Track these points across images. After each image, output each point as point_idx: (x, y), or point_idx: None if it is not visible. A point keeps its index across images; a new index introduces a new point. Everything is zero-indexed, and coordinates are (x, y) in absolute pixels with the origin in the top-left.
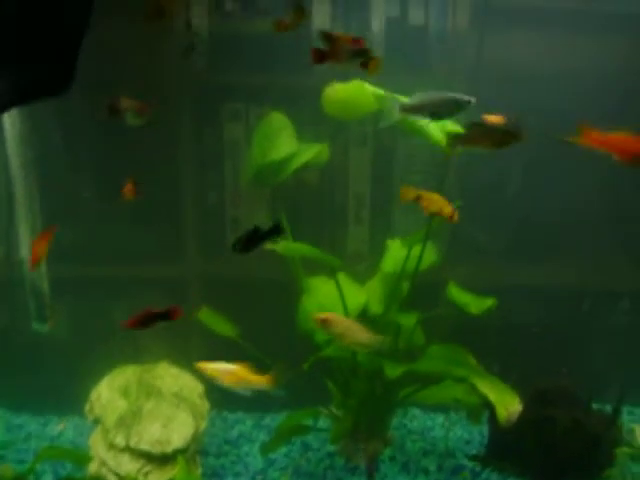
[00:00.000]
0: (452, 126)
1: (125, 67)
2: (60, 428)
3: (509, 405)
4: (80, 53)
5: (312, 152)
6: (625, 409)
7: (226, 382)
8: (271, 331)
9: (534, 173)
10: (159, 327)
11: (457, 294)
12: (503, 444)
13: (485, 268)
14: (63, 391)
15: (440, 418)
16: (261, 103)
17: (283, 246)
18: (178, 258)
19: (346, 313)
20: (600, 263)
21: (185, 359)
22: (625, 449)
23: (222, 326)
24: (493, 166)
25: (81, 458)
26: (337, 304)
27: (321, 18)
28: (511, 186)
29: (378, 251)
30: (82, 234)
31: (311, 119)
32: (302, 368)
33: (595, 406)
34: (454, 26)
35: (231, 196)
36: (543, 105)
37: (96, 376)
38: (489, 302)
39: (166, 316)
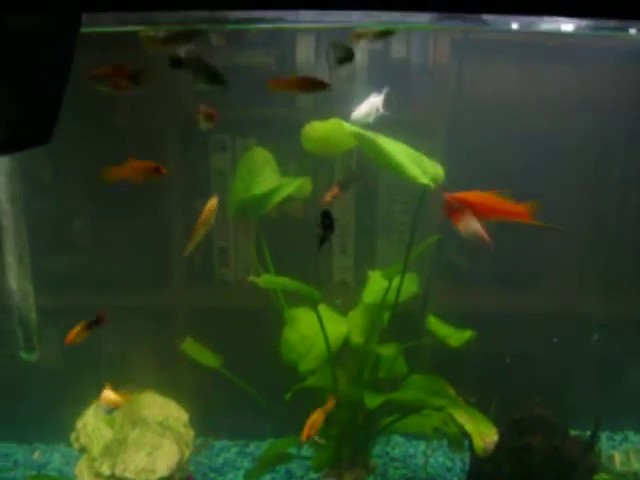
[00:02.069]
0: (431, 166)
1: (112, 100)
2: (35, 457)
3: (486, 435)
4: (60, 109)
5: (293, 186)
6: (604, 435)
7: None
8: (257, 359)
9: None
10: (146, 356)
11: (437, 326)
12: (482, 472)
13: (468, 295)
14: (50, 419)
15: (422, 445)
16: (247, 135)
17: (264, 279)
18: (166, 287)
19: (327, 344)
20: (582, 289)
21: (172, 388)
22: (603, 475)
23: (206, 357)
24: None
25: None
26: (319, 335)
27: (305, 51)
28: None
29: (362, 280)
30: (70, 263)
31: (296, 151)
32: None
33: (574, 432)
34: (435, 58)
35: (218, 226)
36: (518, 129)
37: (83, 404)
38: (467, 334)
39: (97, 322)
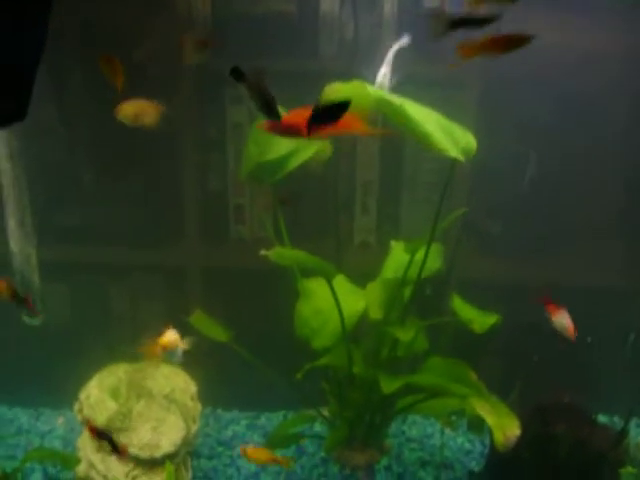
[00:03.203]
0: (463, 135)
1: (125, 51)
2: (59, 422)
3: (508, 429)
4: (33, 88)
5: (312, 150)
6: (633, 422)
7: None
8: (271, 326)
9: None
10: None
11: (461, 308)
12: (503, 461)
13: (499, 263)
14: (55, 383)
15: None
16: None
17: (276, 253)
18: (179, 244)
19: (343, 320)
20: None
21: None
22: (630, 469)
23: (214, 330)
24: (508, 156)
25: (69, 460)
26: (334, 310)
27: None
28: (527, 176)
29: (385, 243)
30: (77, 217)
31: None
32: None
33: (603, 418)
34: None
35: (234, 183)
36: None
37: (91, 368)
38: (492, 319)
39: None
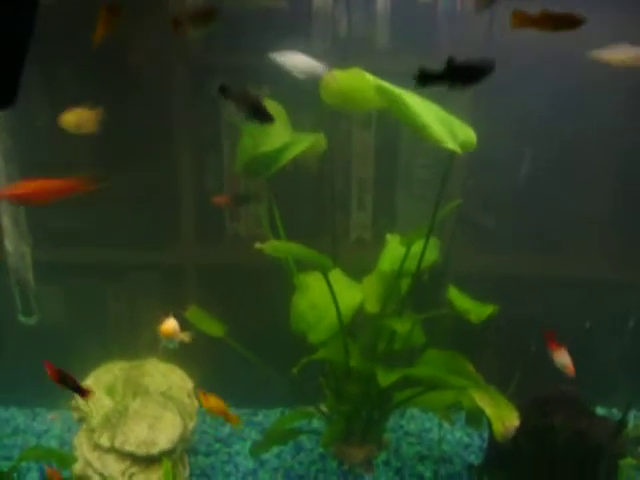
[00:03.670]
0: (462, 129)
1: (120, 48)
2: (51, 418)
3: (506, 420)
4: (22, 73)
5: (306, 143)
6: (632, 414)
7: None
8: (268, 322)
9: (547, 157)
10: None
11: (457, 299)
12: (502, 453)
13: (492, 257)
14: (52, 383)
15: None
16: (260, 83)
17: (271, 246)
18: (174, 244)
19: (339, 314)
20: (614, 255)
21: (178, 353)
22: (630, 460)
23: (210, 325)
24: (504, 150)
25: (65, 459)
26: (330, 304)
27: None
28: (523, 169)
29: (381, 238)
30: (73, 218)
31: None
32: (292, 372)
33: (601, 410)
34: (464, 4)
35: (229, 180)
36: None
37: (88, 366)
38: (489, 309)
39: None
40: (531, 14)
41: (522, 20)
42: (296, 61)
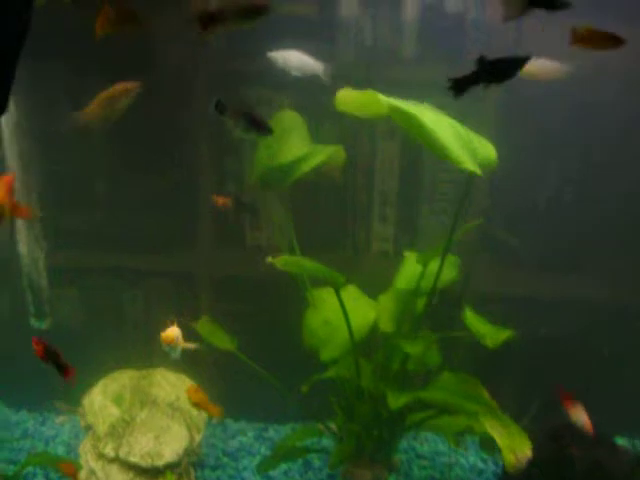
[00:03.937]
0: (482, 146)
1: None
2: (59, 422)
3: (518, 450)
4: (12, 82)
5: (323, 156)
6: None
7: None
8: (282, 335)
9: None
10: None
11: (474, 322)
12: None
13: (517, 278)
14: (62, 389)
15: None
16: (282, 91)
17: (283, 261)
18: (191, 250)
19: (351, 331)
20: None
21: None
22: None
23: (220, 338)
24: (527, 169)
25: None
26: (343, 321)
27: (349, 4)
28: (546, 191)
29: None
30: (90, 222)
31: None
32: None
33: (621, 440)
34: (492, 14)
35: (248, 188)
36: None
37: (99, 373)
38: (505, 334)
39: None
40: (593, 32)
41: (581, 39)
42: (294, 59)
